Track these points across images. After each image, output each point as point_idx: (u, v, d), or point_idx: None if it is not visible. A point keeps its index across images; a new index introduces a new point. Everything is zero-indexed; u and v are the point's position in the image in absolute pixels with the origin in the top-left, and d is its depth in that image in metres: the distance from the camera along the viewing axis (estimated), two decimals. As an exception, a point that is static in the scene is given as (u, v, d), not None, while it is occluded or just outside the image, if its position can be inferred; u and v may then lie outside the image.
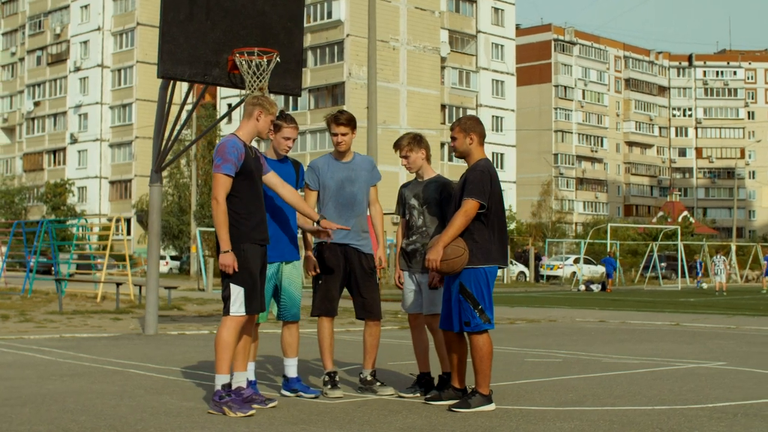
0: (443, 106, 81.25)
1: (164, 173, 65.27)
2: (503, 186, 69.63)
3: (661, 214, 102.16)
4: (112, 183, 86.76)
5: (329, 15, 73.76)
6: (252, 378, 8.38)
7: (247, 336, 8.03)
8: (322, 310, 8.73)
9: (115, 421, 7.20)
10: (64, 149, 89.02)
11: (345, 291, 8.90)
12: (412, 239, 8.77)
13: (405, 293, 8.94)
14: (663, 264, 60.70)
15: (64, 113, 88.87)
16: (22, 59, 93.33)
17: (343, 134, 8.79)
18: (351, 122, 8.81)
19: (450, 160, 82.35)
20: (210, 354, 11.52)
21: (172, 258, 70.18)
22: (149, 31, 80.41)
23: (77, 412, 7.58)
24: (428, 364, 8.91)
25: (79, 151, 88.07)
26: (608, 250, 49.59)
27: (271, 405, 7.90)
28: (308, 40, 75.03)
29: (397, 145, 8.84)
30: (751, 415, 7.70)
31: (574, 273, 52.32)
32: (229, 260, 7.62)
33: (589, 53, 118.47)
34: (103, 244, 30.39)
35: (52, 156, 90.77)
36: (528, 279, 56.05)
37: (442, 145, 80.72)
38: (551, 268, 58.10)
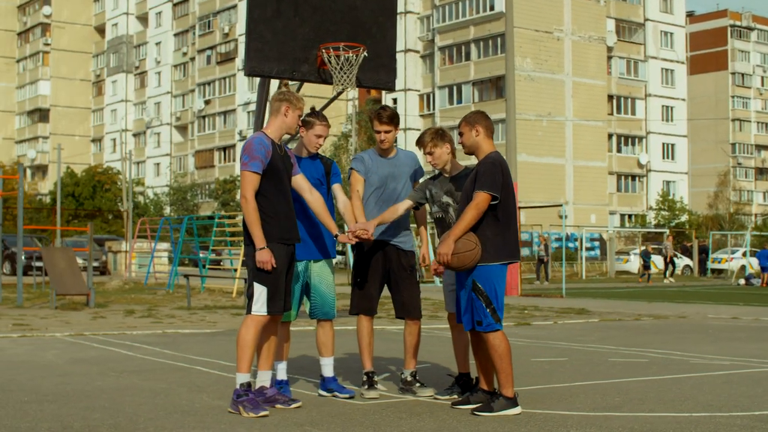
0: (610, 97, 79.68)
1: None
2: (673, 177, 68.00)
3: None
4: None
5: (491, 7, 73.26)
6: (283, 377, 8.30)
7: (273, 335, 7.95)
8: (361, 309, 8.59)
9: (123, 419, 7.24)
10: (233, 146, 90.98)
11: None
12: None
13: (445, 292, 8.69)
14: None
15: (233, 111, 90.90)
16: (192, 59, 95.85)
17: (387, 131, 8.63)
18: (393, 119, 8.64)
19: (618, 151, 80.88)
20: (294, 352, 11.53)
21: (338, 253, 70.93)
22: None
23: (96, 410, 7.66)
24: (467, 364, 8.63)
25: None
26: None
27: (294, 406, 7.80)
28: (471, 32, 74.85)
29: (420, 142, 8.53)
30: (794, 424, 7.18)
31: (743, 266, 50.50)
32: (266, 257, 7.55)
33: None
34: (233, 240, 30.94)
35: (222, 153, 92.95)
36: (693, 273, 54.43)
37: (610, 136, 79.30)
38: (718, 262, 56.18)
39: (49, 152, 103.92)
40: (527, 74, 72.28)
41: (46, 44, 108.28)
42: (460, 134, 7.89)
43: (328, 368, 8.48)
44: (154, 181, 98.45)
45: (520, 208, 29.31)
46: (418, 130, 78.44)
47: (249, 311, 7.67)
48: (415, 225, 9.38)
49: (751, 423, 7.21)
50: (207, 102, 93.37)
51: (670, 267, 45.49)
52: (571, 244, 59.19)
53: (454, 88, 76.39)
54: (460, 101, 75.63)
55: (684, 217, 79.11)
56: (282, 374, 8.30)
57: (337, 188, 8.51)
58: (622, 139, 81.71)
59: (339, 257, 49.46)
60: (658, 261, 51.78)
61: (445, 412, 7.65)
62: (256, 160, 7.63)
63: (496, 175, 7.54)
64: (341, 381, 9.26)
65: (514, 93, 29.49)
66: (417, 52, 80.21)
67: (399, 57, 79.23)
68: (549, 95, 73.40)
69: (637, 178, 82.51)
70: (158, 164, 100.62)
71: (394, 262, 8.62)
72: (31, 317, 17.76)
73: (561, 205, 32.10)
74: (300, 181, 8.05)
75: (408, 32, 79.63)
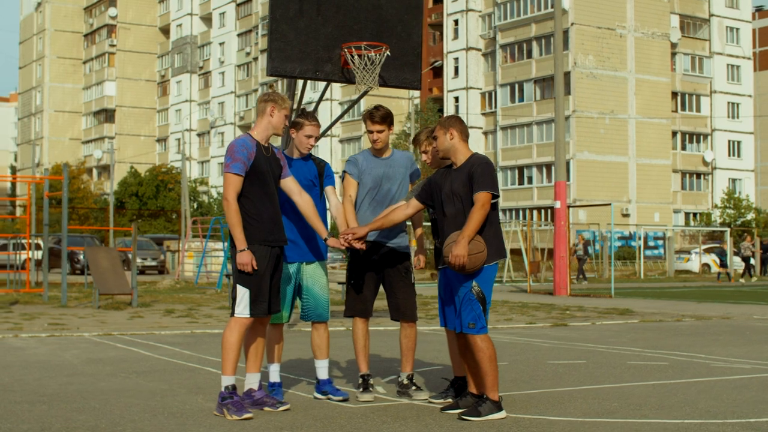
0: (674, 94, 78.67)
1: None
2: (739, 175, 67.02)
3: None
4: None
5: (553, 5, 72.66)
6: (276, 380, 8.25)
7: (260, 338, 7.91)
8: (355, 311, 8.51)
9: (105, 422, 7.25)
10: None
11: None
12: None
13: (441, 294, 8.57)
14: None
15: (294, 110, 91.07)
16: (255, 59, 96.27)
17: (379, 131, 8.55)
18: (386, 119, 8.55)
19: (683, 149, 79.85)
20: (307, 353, 11.50)
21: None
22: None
23: (84, 411, 7.68)
24: (463, 368, 8.50)
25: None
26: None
27: (282, 408, 7.75)
28: (533, 30, 74.38)
29: (416, 141, 8.48)
30: (786, 431, 6.96)
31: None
32: (246, 259, 7.53)
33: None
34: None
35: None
36: (755, 272, 53.47)
37: (674, 134, 78.32)
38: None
39: (115, 152, 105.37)
40: (589, 71, 71.74)
41: (112, 45, 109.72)
42: (434, 138, 7.85)
43: (322, 371, 8.41)
44: (218, 180, 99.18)
45: (569, 206, 29.02)
46: (480, 128, 78.22)
47: (232, 313, 7.64)
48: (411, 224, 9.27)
49: (742, 430, 7.00)
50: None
51: (744, 266, 45.04)
52: (634, 243, 58.63)
53: (516, 86, 75.96)
54: (522, 99, 75.23)
55: (750, 215, 77.90)
56: (275, 376, 8.25)
57: (330, 191, 8.45)
58: (687, 136, 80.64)
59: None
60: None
61: (432, 417, 7.54)
62: (238, 161, 7.63)
63: (493, 175, 7.51)
64: (346, 382, 9.22)
65: (567, 90, 29.12)
66: (479, 50, 79.87)
67: (461, 55, 79.22)
68: (611, 93, 72.75)
69: (702, 176, 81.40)
70: (222, 164, 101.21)
71: (388, 263, 8.52)
72: (70, 317, 17.90)
73: (610, 204, 31.55)
74: (289, 184, 8.00)
75: (469, 30, 79.40)
